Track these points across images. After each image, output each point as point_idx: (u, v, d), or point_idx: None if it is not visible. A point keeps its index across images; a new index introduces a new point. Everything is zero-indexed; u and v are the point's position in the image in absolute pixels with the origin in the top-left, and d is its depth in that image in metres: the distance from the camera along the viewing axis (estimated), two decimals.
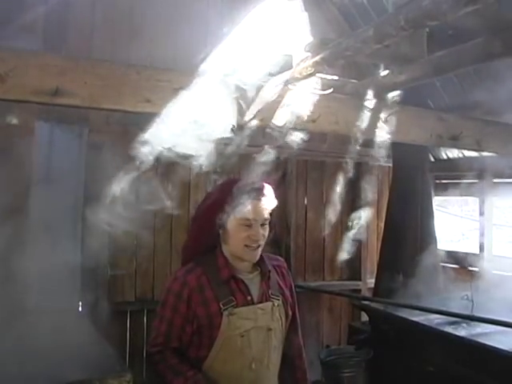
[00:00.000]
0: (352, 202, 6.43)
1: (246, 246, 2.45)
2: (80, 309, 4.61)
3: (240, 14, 5.03)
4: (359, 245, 6.42)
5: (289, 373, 2.67)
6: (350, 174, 6.30)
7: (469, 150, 5.26)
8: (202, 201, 2.65)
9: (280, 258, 2.83)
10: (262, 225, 2.48)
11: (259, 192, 2.48)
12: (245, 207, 2.42)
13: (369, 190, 6.44)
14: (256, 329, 2.46)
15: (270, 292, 2.54)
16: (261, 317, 2.48)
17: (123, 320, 5.16)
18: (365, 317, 5.33)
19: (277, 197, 2.54)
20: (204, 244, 2.57)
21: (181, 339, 2.45)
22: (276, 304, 2.54)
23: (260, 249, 2.49)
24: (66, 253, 4.49)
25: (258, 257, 2.51)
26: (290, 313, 2.64)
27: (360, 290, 6.35)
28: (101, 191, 4.94)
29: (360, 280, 6.40)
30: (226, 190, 2.50)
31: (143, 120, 4.23)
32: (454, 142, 3.94)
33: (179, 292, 2.43)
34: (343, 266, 6.46)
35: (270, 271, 2.58)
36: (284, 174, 5.96)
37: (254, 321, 2.46)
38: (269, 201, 2.49)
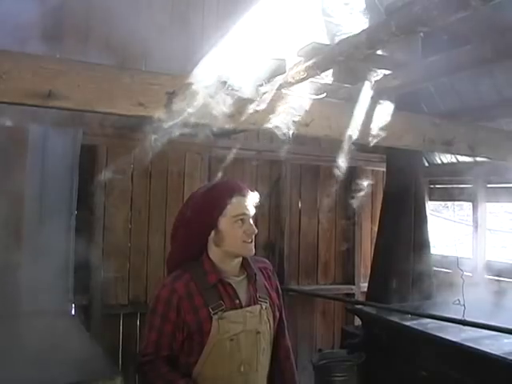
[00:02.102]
0: (346, 206, 6.45)
1: (244, 241, 2.51)
2: (72, 311, 4.60)
3: (236, 17, 5.06)
4: (353, 249, 6.44)
5: (277, 375, 2.67)
6: (344, 179, 6.33)
7: (462, 155, 5.27)
8: (184, 210, 2.63)
9: (265, 260, 2.85)
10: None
11: (243, 189, 2.56)
12: (236, 204, 2.50)
13: (363, 195, 6.47)
14: (245, 332, 2.46)
15: (257, 295, 2.56)
16: (249, 320, 2.49)
17: (116, 323, 5.16)
18: (358, 321, 5.34)
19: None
20: (192, 251, 2.57)
21: (171, 347, 2.44)
22: (264, 307, 2.56)
23: (253, 243, 2.56)
24: (59, 255, 4.49)
25: (253, 251, 2.57)
26: (278, 315, 2.66)
27: (353, 294, 6.36)
28: (95, 193, 4.98)
29: (353, 284, 6.42)
30: (212, 194, 2.58)
31: (137, 123, 4.27)
32: (447, 147, 3.93)
33: (168, 300, 2.43)
34: (337, 270, 6.48)
35: (256, 274, 2.60)
36: (278, 178, 5.98)
37: (243, 324, 2.47)
38: (252, 196, 2.57)
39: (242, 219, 2.50)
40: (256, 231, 2.54)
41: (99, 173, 5.03)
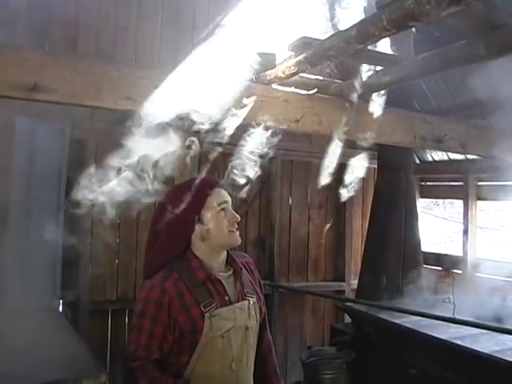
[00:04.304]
0: (337, 202, 6.44)
1: (230, 231, 2.50)
2: (60, 308, 4.57)
3: (227, 11, 5.03)
4: (343, 246, 6.43)
5: (259, 367, 2.66)
6: (335, 175, 6.32)
7: (453, 152, 5.28)
8: (161, 212, 2.56)
9: (246, 254, 2.85)
10: None
11: (218, 181, 2.61)
12: (216, 194, 2.52)
13: (354, 191, 6.45)
14: (235, 328, 2.45)
15: (244, 290, 2.56)
16: (239, 316, 2.48)
17: (104, 319, 5.13)
18: (348, 318, 5.33)
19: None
20: (175, 252, 2.52)
21: (162, 349, 2.38)
22: (251, 302, 2.55)
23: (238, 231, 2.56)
24: (47, 250, 4.46)
25: (240, 239, 2.56)
26: (264, 309, 2.67)
27: (344, 291, 6.36)
28: (83, 188, 4.94)
29: (344, 281, 6.41)
30: (191, 189, 2.55)
31: (126, 117, 4.23)
32: (438, 144, 3.93)
33: (159, 300, 2.37)
34: (327, 267, 6.47)
35: (241, 269, 2.60)
36: (269, 174, 5.95)
37: (233, 321, 2.45)
38: (225, 187, 2.62)
39: (223, 208, 2.51)
40: (239, 218, 2.54)
41: (88, 167, 4.98)
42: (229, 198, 2.56)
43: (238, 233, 2.54)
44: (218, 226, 2.48)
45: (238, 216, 2.53)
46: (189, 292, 2.40)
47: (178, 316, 2.36)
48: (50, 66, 2.63)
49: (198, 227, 2.49)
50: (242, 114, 3.06)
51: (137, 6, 5.16)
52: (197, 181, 2.66)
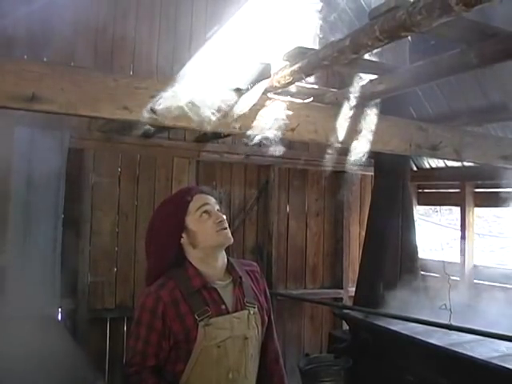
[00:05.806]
0: (334, 210, 6.46)
1: (217, 231, 2.47)
2: (59, 316, 4.58)
3: (224, 20, 5.07)
4: (341, 253, 6.44)
5: (266, 378, 2.62)
6: (333, 183, 6.35)
7: (448, 159, 5.30)
8: (151, 224, 2.60)
9: (252, 262, 2.81)
10: (218, 210, 2.55)
11: (201, 189, 2.62)
12: (197, 199, 2.50)
13: (351, 199, 6.48)
14: (232, 338, 2.41)
15: (244, 300, 2.51)
16: (237, 326, 2.44)
17: (103, 327, 5.14)
18: (346, 325, 5.33)
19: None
20: (168, 262, 2.51)
21: (158, 356, 2.37)
22: (252, 312, 2.50)
23: (229, 230, 2.52)
24: (46, 259, 4.47)
25: (231, 237, 2.53)
26: (266, 319, 2.60)
27: (341, 299, 6.35)
28: (82, 196, 4.97)
29: (341, 288, 6.41)
30: (173, 199, 2.64)
31: (124, 126, 4.26)
32: (434, 151, 3.94)
33: (153, 308, 2.37)
34: (325, 274, 6.48)
35: (241, 277, 2.55)
36: (266, 182, 5.97)
37: (230, 330, 2.41)
38: (212, 194, 2.61)
39: (206, 211, 2.48)
40: (224, 217, 2.51)
41: (86, 176, 5.02)
42: (211, 200, 2.53)
43: (227, 231, 2.50)
44: (202, 229, 2.46)
45: (222, 215, 2.50)
46: (184, 300, 2.38)
47: (172, 324, 2.35)
48: (48, 76, 2.65)
49: (185, 235, 2.49)
50: (239, 123, 3.08)
51: (134, 16, 5.21)
52: (181, 190, 2.72)
